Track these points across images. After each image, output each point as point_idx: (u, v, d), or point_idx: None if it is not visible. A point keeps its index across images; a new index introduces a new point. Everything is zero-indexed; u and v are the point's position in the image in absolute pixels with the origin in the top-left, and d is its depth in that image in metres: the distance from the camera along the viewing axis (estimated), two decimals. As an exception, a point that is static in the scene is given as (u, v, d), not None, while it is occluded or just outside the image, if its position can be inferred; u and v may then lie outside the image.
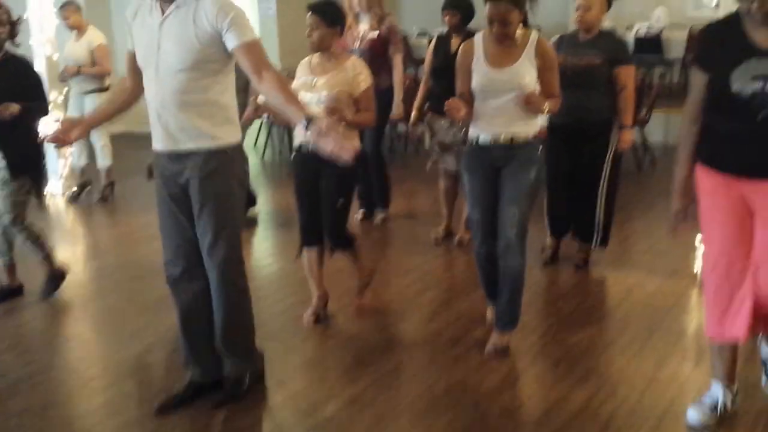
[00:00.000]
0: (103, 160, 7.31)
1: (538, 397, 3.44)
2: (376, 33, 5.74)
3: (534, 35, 3.63)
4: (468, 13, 5.33)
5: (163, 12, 3.08)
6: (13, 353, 4.10)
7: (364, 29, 5.75)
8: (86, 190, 7.44)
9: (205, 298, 3.36)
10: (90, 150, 7.35)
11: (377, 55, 5.70)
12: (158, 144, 3.24)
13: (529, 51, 3.59)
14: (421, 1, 14.44)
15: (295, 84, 4.08)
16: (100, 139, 7.21)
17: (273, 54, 10.92)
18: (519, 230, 3.64)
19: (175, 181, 3.22)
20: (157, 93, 3.15)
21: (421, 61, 13.24)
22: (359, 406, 3.39)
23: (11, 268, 4.80)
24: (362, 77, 4.06)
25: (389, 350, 3.95)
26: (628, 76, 4.66)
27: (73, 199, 7.37)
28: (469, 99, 3.68)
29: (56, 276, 4.83)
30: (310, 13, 4.02)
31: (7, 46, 4.58)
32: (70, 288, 4.93)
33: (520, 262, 3.69)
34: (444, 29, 5.50)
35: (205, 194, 3.16)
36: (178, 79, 3.09)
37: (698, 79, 2.96)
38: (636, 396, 3.37)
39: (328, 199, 4.08)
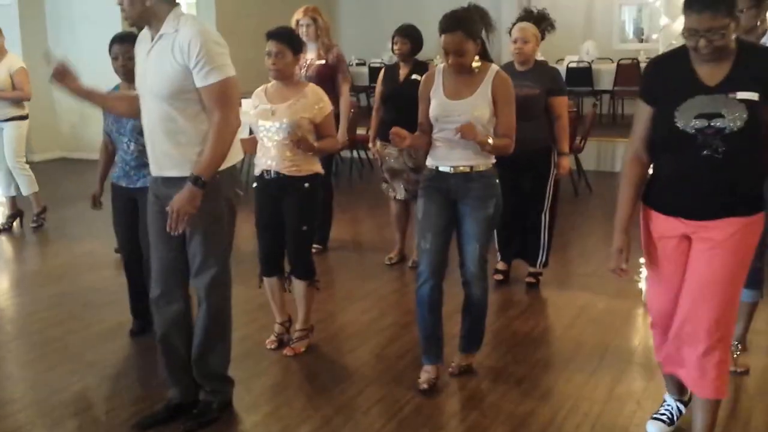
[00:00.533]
0: (29, 188, 7.08)
1: (505, 415, 3.53)
2: (323, 61, 5.81)
3: (493, 69, 3.61)
4: (417, 42, 5.47)
5: (152, 40, 3.14)
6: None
7: (310, 57, 5.82)
8: (17, 220, 7.24)
9: (183, 320, 3.38)
10: (15, 180, 7.12)
11: (323, 83, 5.73)
12: (151, 167, 3.29)
13: (487, 84, 3.56)
14: (359, 31, 14.73)
15: (252, 113, 4.09)
16: (19, 169, 6.99)
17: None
18: (480, 263, 3.70)
19: (163, 203, 3.21)
20: (146, 120, 3.21)
21: (361, 89, 13.52)
22: (330, 429, 3.43)
23: None
24: (323, 103, 4.08)
25: (354, 374, 4.00)
26: (562, 105, 4.95)
27: (5, 230, 7.12)
28: (427, 128, 3.69)
29: None
30: (272, 40, 3.96)
31: None
32: (12, 320, 4.84)
33: (483, 289, 3.77)
34: (386, 59, 5.64)
35: (197, 216, 3.15)
36: (162, 108, 3.13)
37: (642, 113, 2.91)
38: (597, 411, 3.51)
39: (291, 225, 4.09)
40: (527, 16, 4.94)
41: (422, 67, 5.23)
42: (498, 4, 13.06)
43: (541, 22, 4.94)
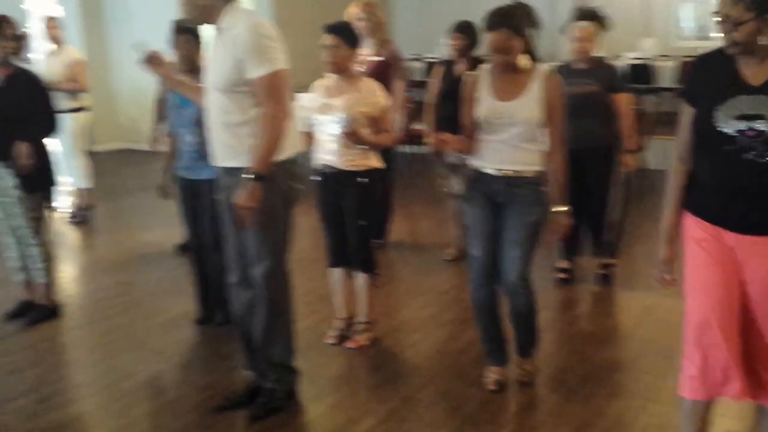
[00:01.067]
0: (82, 181, 7.16)
1: (570, 414, 3.51)
2: (378, 58, 5.79)
3: (542, 69, 3.51)
4: (473, 38, 5.47)
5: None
6: (37, 370, 4.12)
7: (366, 53, 5.81)
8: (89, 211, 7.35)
9: (256, 306, 3.45)
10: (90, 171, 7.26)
11: (378, 79, 5.73)
12: (214, 158, 3.37)
13: (536, 84, 3.44)
14: (414, 26, 14.71)
15: (310, 107, 4.13)
16: (76, 160, 7.04)
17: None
18: (521, 273, 3.53)
19: (229, 193, 3.31)
20: (209, 110, 3.30)
21: (416, 84, 13.50)
22: (394, 422, 3.46)
23: (30, 284, 4.80)
24: (380, 97, 4.09)
25: (416, 368, 4.02)
26: (624, 102, 4.92)
27: (81, 222, 7.22)
28: (472, 130, 3.58)
29: (48, 309, 4.77)
30: (329, 33, 3.99)
31: (13, 60, 4.61)
32: (81, 307, 4.97)
33: (528, 302, 3.62)
34: (441, 55, 5.64)
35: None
36: (221, 100, 3.22)
37: (685, 115, 2.76)
38: (664, 413, 3.47)
39: (350, 220, 4.12)
40: (584, 14, 4.94)
41: (480, 63, 5.22)
42: (553, 1, 13.00)
43: (597, 19, 4.93)
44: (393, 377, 3.93)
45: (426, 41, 13.91)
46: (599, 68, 4.94)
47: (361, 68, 5.68)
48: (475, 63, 5.33)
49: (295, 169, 3.43)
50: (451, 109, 5.23)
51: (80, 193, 7.21)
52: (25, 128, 4.44)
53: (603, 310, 4.84)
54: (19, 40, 4.65)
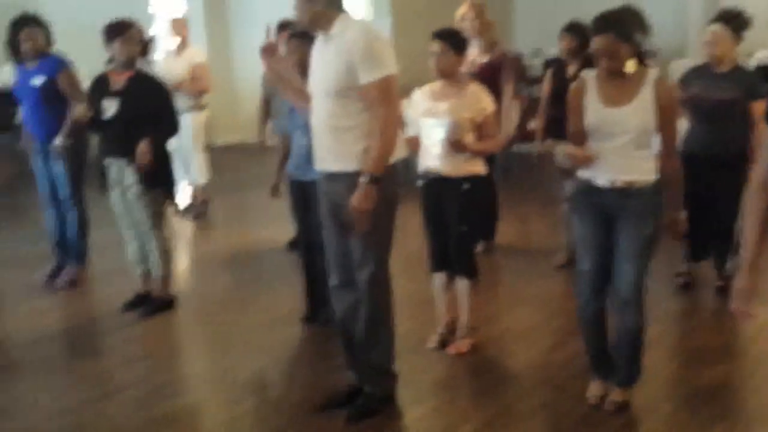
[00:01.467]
0: (200, 177, 7.39)
1: (678, 431, 3.41)
2: (486, 58, 5.73)
3: (653, 73, 3.37)
4: (585, 38, 5.35)
5: (323, 43, 3.33)
6: (149, 361, 4.32)
7: (473, 54, 5.72)
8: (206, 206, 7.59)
9: (358, 309, 3.52)
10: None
11: (486, 81, 5.63)
12: (317, 162, 3.46)
13: (647, 90, 3.31)
14: (534, 21, 14.51)
15: (416, 111, 4.15)
16: (195, 156, 7.27)
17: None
18: (635, 288, 3.40)
19: (331, 198, 3.41)
20: (314, 116, 3.38)
21: (534, 81, 13.37)
22: (491, 431, 3.45)
23: (147, 276, 5.03)
24: (485, 103, 4.08)
25: (517, 377, 4.01)
26: (756, 111, 4.67)
27: (199, 216, 7.43)
28: (581, 140, 3.45)
29: (163, 301, 4.97)
30: (436, 39, 4.01)
31: (139, 63, 4.82)
32: (194, 301, 5.18)
33: (638, 321, 3.46)
34: (550, 55, 5.54)
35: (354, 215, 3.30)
36: (329, 104, 3.30)
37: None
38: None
39: (453, 226, 4.12)
40: (719, 17, 4.73)
41: (592, 64, 5.12)
42: (685, 30, 12.59)
43: (734, 21, 4.69)
44: (493, 385, 3.92)
45: (546, 36, 13.67)
46: (739, 74, 4.75)
47: (469, 69, 5.67)
48: (588, 63, 5.22)
49: (398, 174, 3.47)
50: (562, 111, 5.16)
51: (198, 188, 7.48)
52: (146, 129, 4.64)
53: (717, 325, 4.64)
54: (145, 45, 4.85)
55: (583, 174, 3.47)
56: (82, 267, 5.56)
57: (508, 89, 5.70)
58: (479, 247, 6.00)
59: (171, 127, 4.82)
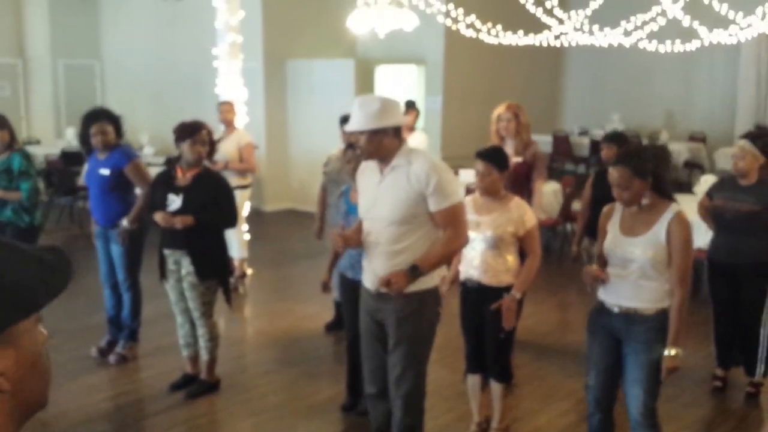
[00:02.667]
0: (239, 252, 7.58)
1: None
2: (520, 158, 5.84)
3: (672, 208, 3.48)
4: (623, 145, 5.54)
5: (381, 172, 3.53)
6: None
7: (509, 153, 5.88)
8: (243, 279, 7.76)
9: (391, 418, 3.69)
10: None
11: (519, 178, 5.77)
12: (366, 282, 3.64)
13: (662, 224, 3.45)
14: (582, 103, 14.71)
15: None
16: (235, 234, 7.40)
17: (436, 142, 11.43)
18: (645, 411, 3.53)
19: (374, 316, 3.61)
20: (371, 241, 3.56)
21: (580, 159, 13.50)
22: None
23: (195, 359, 5.26)
24: (527, 217, 4.18)
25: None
26: None
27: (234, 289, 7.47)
28: (605, 261, 3.65)
29: (209, 384, 5.19)
30: (479, 159, 4.18)
31: (205, 162, 5.07)
32: (238, 382, 5.37)
33: None
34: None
35: (400, 333, 3.53)
36: (390, 231, 3.49)
37: None
38: None
39: (490, 332, 4.24)
40: (747, 134, 5.03)
41: None
42: (733, 117, 12.72)
43: (761, 137, 4.93)
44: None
45: (595, 116, 13.95)
46: (762, 187, 4.92)
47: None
48: None
49: (440, 295, 3.67)
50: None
51: (238, 263, 7.65)
52: (209, 218, 4.87)
53: (750, 427, 4.67)
54: (213, 145, 5.08)
55: (599, 295, 3.65)
56: (133, 344, 5.81)
57: (538, 185, 5.89)
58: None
59: (228, 220, 5.02)
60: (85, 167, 5.83)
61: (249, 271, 7.99)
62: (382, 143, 3.48)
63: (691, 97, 13.71)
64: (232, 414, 4.97)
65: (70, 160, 10.83)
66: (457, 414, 4.77)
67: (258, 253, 8.62)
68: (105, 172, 5.48)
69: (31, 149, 11.90)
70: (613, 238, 3.56)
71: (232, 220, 5.04)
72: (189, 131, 4.89)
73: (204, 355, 5.17)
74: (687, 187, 9.28)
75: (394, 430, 3.69)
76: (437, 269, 3.58)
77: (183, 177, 4.95)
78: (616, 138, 5.65)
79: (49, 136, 13.95)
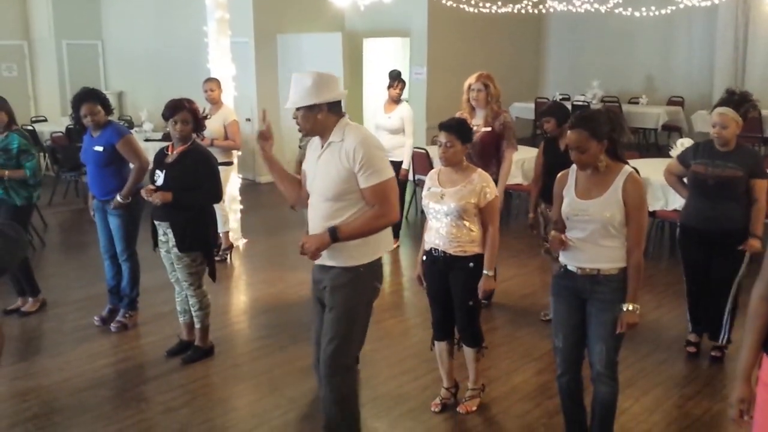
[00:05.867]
0: (222, 226, 7.42)
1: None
2: (489, 128, 5.78)
3: (625, 170, 3.45)
4: (561, 115, 5.57)
5: (321, 147, 3.44)
6: (187, 410, 4.51)
7: (477, 123, 5.78)
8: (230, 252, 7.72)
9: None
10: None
11: (488, 148, 5.75)
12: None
13: (617, 186, 3.41)
14: (563, 70, 14.58)
15: (424, 193, 4.28)
16: (219, 207, 7.17)
17: (422, 112, 11.35)
18: (607, 363, 3.53)
19: (318, 286, 3.58)
20: (312, 216, 3.50)
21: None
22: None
23: (189, 326, 5.26)
24: (489, 189, 4.11)
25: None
26: (761, 189, 4.71)
27: (222, 261, 7.43)
28: (561, 226, 3.59)
29: (203, 350, 5.21)
30: (443, 131, 4.12)
31: (196, 138, 5.01)
32: (231, 348, 5.39)
33: (610, 390, 3.59)
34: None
35: (332, 302, 3.48)
36: (326, 207, 3.41)
37: None
38: None
39: (458, 300, 4.21)
40: (727, 99, 4.75)
41: None
42: (711, 80, 12.56)
43: (742, 104, 4.72)
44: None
45: (576, 83, 13.81)
46: (741, 153, 4.78)
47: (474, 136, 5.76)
48: None
49: (379, 270, 3.59)
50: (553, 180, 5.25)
51: (223, 235, 7.57)
52: (189, 196, 4.83)
53: (713, 394, 4.65)
54: (199, 121, 4.96)
55: (562, 259, 3.60)
56: (133, 312, 5.81)
57: (508, 155, 5.82)
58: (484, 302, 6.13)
59: (210, 195, 4.94)
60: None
61: (238, 243, 7.97)
62: (317, 119, 3.36)
63: (669, 62, 13.57)
64: (226, 378, 4.98)
65: (74, 136, 10.75)
66: (438, 375, 4.75)
67: (252, 224, 8.61)
68: (99, 148, 5.47)
69: (38, 127, 11.95)
70: (570, 203, 3.51)
71: (214, 196, 4.98)
72: (170, 111, 4.84)
73: (196, 324, 5.18)
74: (665, 151, 9.21)
75: (323, 401, 3.62)
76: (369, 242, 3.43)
77: (171, 154, 4.93)
78: (552, 111, 5.63)
79: (55, 114, 13.89)
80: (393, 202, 3.38)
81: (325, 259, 3.48)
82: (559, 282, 3.64)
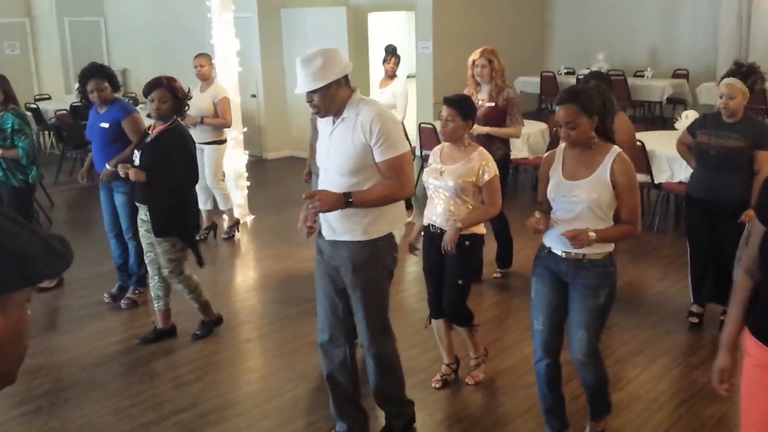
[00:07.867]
0: (224, 204, 7.44)
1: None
2: (492, 104, 5.77)
3: (614, 150, 3.30)
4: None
5: (333, 123, 3.41)
6: (200, 385, 4.56)
7: (482, 99, 5.80)
8: (212, 231, 7.65)
9: (346, 364, 3.67)
10: (213, 197, 7.56)
11: (492, 123, 5.73)
12: (323, 231, 3.54)
13: (606, 166, 3.27)
14: (569, 43, 14.47)
15: (425, 169, 4.27)
16: (217, 187, 7.34)
17: (428, 87, 11.32)
18: (588, 351, 3.43)
19: (331, 262, 3.54)
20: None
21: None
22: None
23: (166, 313, 5.20)
24: (487, 168, 4.05)
25: (531, 409, 4.11)
26: (764, 161, 4.71)
27: (201, 240, 7.25)
28: (546, 207, 3.44)
29: (211, 322, 5.22)
30: (446, 105, 4.09)
31: (180, 119, 4.89)
32: (242, 323, 5.41)
33: (596, 376, 3.55)
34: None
35: (356, 280, 3.47)
36: (341, 182, 3.37)
37: (757, 231, 2.50)
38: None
39: (449, 277, 4.18)
40: (735, 71, 4.73)
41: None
42: (715, 53, 12.45)
43: (750, 76, 4.71)
44: (507, 418, 4.06)
45: (581, 56, 13.73)
46: (747, 124, 4.78)
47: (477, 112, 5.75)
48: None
49: (395, 242, 3.59)
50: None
51: (228, 213, 7.58)
52: (164, 177, 4.72)
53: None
54: (182, 100, 4.84)
55: (545, 240, 3.48)
56: (142, 289, 5.85)
57: (512, 131, 5.84)
58: (498, 274, 6.17)
59: (183, 178, 4.76)
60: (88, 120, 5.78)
61: (246, 220, 7.99)
62: (336, 97, 3.31)
63: (674, 34, 13.48)
64: (237, 353, 5.03)
65: (79, 114, 10.75)
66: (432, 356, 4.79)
67: (259, 200, 8.63)
68: (105, 125, 5.47)
69: (42, 105, 11.93)
70: (556, 184, 3.37)
71: (187, 179, 4.80)
72: (148, 88, 4.75)
73: (193, 305, 5.16)
74: (670, 123, 9.18)
75: (368, 368, 3.68)
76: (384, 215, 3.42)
77: (152, 133, 4.86)
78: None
79: (59, 91, 13.85)
80: (409, 176, 3.38)
81: (340, 235, 3.46)
82: (542, 263, 3.50)
